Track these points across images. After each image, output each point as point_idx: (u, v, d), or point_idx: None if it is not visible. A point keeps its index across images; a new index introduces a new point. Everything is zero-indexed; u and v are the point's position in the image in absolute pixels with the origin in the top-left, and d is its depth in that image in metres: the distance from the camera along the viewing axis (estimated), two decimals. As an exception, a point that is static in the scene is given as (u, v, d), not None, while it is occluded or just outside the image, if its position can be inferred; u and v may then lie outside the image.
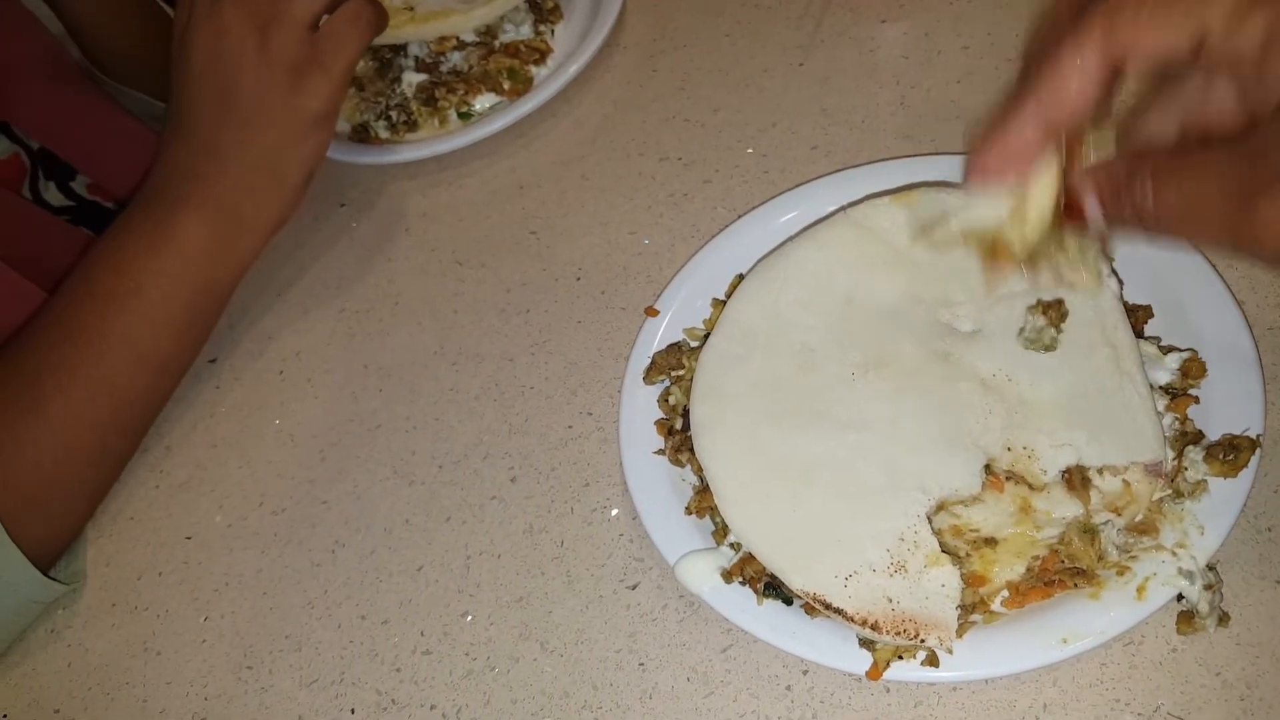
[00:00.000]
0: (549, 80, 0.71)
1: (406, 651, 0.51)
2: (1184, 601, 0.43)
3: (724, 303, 0.54)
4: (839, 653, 0.44)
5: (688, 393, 0.51)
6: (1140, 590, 0.42)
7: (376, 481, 0.57)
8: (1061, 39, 0.34)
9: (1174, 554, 0.43)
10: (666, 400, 0.53)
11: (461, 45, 0.74)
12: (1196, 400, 0.47)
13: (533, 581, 0.52)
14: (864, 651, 0.44)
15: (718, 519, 0.49)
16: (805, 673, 0.46)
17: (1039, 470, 0.45)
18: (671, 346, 0.55)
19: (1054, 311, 0.48)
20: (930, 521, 0.44)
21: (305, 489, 0.58)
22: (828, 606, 0.43)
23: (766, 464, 0.47)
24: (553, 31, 0.77)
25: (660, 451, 0.52)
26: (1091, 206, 0.35)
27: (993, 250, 0.39)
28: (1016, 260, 0.39)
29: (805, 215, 0.58)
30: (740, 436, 0.48)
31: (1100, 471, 0.45)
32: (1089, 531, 0.44)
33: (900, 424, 0.47)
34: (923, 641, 0.42)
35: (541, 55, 0.75)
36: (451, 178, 0.71)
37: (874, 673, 0.43)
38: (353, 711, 0.50)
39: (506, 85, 0.73)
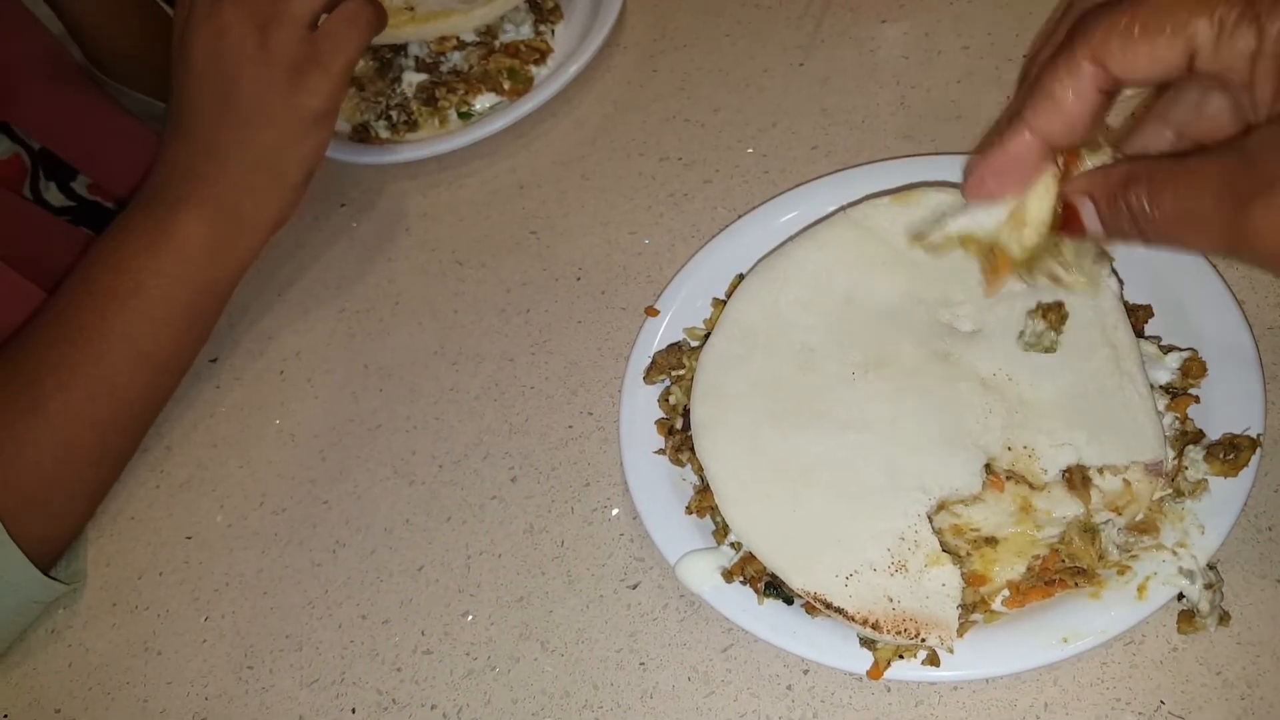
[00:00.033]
0: (549, 80, 0.71)
1: (407, 651, 0.51)
2: (1184, 601, 0.43)
3: (724, 302, 0.54)
4: (840, 652, 0.44)
5: (688, 392, 0.51)
6: (1141, 589, 0.42)
7: (377, 481, 0.57)
8: (1056, 62, 0.34)
9: (1174, 553, 0.43)
10: (667, 400, 0.53)
11: (462, 45, 0.74)
12: (1197, 400, 0.47)
13: (533, 581, 0.52)
14: (865, 651, 0.44)
15: (718, 518, 0.49)
16: (806, 672, 0.46)
17: (1039, 470, 0.45)
18: (672, 346, 0.55)
19: (1054, 314, 0.48)
20: (931, 521, 0.44)
21: (306, 489, 0.58)
22: (828, 606, 0.43)
23: (767, 464, 0.47)
24: (553, 31, 0.77)
25: (661, 451, 0.52)
26: (1088, 214, 0.36)
27: (990, 256, 0.39)
28: (1014, 266, 0.39)
29: (805, 215, 0.58)
30: (741, 436, 0.48)
31: (1101, 471, 0.45)
32: (1089, 531, 0.44)
33: (900, 424, 0.47)
34: (923, 641, 0.42)
35: (542, 55, 0.75)
36: (452, 177, 0.71)
37: (875, 672, 0.43)
38: (353, 711, 0.50)
39: (507, 85, 0.73)
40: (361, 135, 0.73)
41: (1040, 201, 0.37)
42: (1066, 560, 0.44)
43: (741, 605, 0.46)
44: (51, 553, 0.57)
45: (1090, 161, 0.37)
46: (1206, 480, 0.44)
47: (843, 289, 0.52)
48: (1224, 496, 0.44)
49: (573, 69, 0.70)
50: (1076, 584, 0.43)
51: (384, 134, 0.73)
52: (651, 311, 0.57)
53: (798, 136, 0.65)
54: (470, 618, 0.51)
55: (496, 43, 0.75)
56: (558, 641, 0.50)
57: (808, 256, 0.53)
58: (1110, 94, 0.35)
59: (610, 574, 0.51)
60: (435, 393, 0.60)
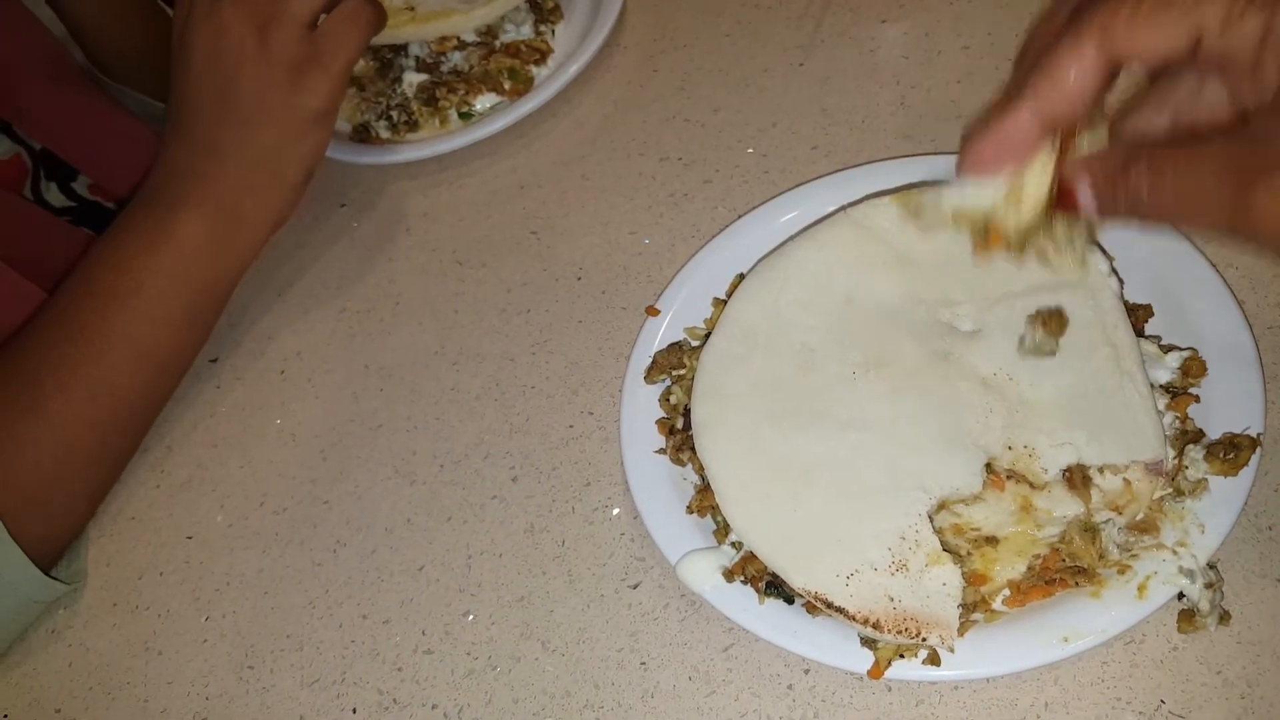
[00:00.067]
0: (549, 80, 0.71)
1: (408, 651, 0.51)
2: (1185, 600, 0.43)
3: (725, 302, 0.54)
4: (840, 651, 0.44)
5: (689, 392, 0.51)
6: (1141, 589, 0.43)
7: (378, 481, 0.58)
8: (1059, 37, 0.34)
9: (1175, 552, 0.43)
10: (667, 399, 0.53)
11: (462, 45, 0.74)
12: (1197, 399, 0.47)
13: (534, 581, 0.52)
14: (865, 650, 0.44)
15: (719, 518, 0.49)
16: (807, 671, 0.46)
17: (1040, 469, 0.45)
18: (672, 346, 0.55)
19: (1054, 322, 0.47)
20: (931, 520, 0.44)
21: (306, 489, 0.58)
22: (829, 605, 0.43)
23: (768, 463, 0.48)
24: (553, 31, 0.77)
25: (661, 451, 0.52)
26: (1084, 194, 0.36)
27: (983, 233, 0.39)
28: (1007, 244, 0.39)
29: (805, 215, 0.58)
30: (741, 436, 0.48)
31: (1101, 470, 0.45)
32: (1090, 530, 0.44)
33: (901, 423, 0.47)
34: (924, 640, 0.42)
35: (542, 55, 0.75)
36: (452, 178, 0.71)
37: (875, 671, 0.43)
38: (354, 711, 0.50)
39: (507, 85, 0.73)
40: (362, 135, 0.73)
41: (1037, 178, 0.37)
42: (1067, 559, 0.44)
43: (742, 605, 0.46)
44: (52, 552, 0.57)
45: (1087, 141, 0.36)
46: (1206, 479, 0.44)
47: (843, 289, 0.52)
48: (1224, 496, 0.44)
49: (573, 69, 0.70)
50: (1077, 583, 0.43)
51: (384, 134, 0.73)
52: (652, 311, 0.57)
53: (798, 136, 0.66)
54: (471, 617, 0.51)
55: (497, 43, 0.75)
56: (559, 641, 0.50)
57: (808, 256, 0.53)
58: (1112, 74, 0.35)
59: (611, 573, 0.51)
60: (436, 393, 0.60)
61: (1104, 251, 0.50)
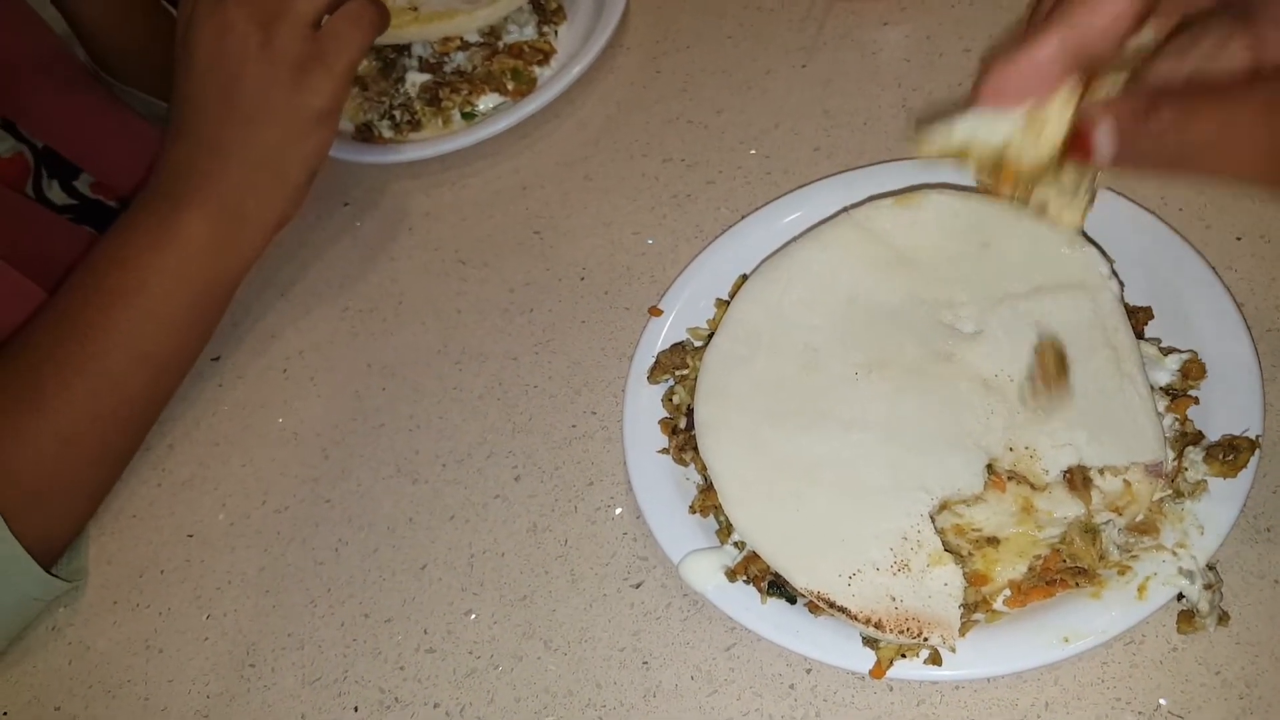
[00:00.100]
0: (552, 81, 0.71)
1: (410, 650, 0.51)
2: (1184, 601, 0.43)
3: (728, 303, 0.54)
4: (842, 651, 0.44)
5: (692, 392, 0.51)
6: (1141, 589, 0.43)
7: (380, 480, 0.58)
8: None
9: (1174, 553, 0.43)
10: (670, 399, 0.53)
11: (465, 45, 0.74)
12: (1196, 401, 0.47)
13: (536, 580, 0.52)
14: (867, 650, 0.44)
15: (721, 518, 0.49)
16: (809, 671, 0.46)
17: (1041, 470, 0.45)
18: (675, 346, 0.55)
19: (1054, 363, 0.47)
20: (933, 521, 0.45)
21: (308, 487, 0.58)
22: (831, 605, 0.43)
23: (770, 463, 0.48)
24: (556, 32, 0.77)
25: (664, 450, 0.52)
26: (1103, 138, 0.33)
27: (992, 168, 0.38)
28: (1015, 182, 0.37)
29: (808, 216, 0.58)
30: (744, 436, 0.49)
31: (1101, 471, 0.45)
32: (1090, 531, 0.45)
33: (903, 424, 0.47)
34: (926, 640, 0.42)
35: (545, 56, 0.75)
36: (455, 178, 0.71)
37: (877, 671, 0.43)
38: (356, 710, 0.50)
39: (510, 86, 0.73)
40: (365, 135, 0.74)
41: (1059, 115, 0.35)
42: (1067, 560, 0.44)
43: (745, 604, 0.46)
44: (53, 550, 0.56)
45: (1107, 86, 0.35)
46: (1206, 481, 0.44)
47: (845, 290, 0.52)
48: (1223, 497, 0.44)
49: (576, 70, 0.71)
50: (1077, 584, 0.44)
51: (387, 134, 0.73)
52: (655, 311, 0.57)
53: (800, 138, 0.66)
54: (473, 616, 0.51)
55: (500, 43, 0.75)
56: (561, 640, 0.50)
57: (811, 257, 0.53)
58: (1145, 14, 0.33)
59: (613, 573, 0.51)
60: (438, 392, 0.60)
61: (1104, 254, 0.50)
